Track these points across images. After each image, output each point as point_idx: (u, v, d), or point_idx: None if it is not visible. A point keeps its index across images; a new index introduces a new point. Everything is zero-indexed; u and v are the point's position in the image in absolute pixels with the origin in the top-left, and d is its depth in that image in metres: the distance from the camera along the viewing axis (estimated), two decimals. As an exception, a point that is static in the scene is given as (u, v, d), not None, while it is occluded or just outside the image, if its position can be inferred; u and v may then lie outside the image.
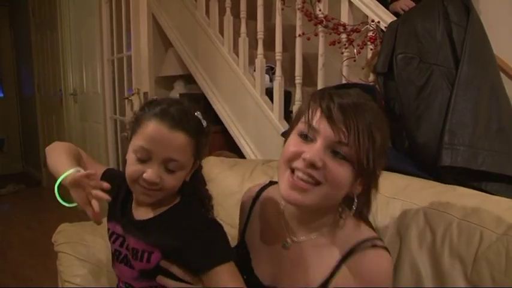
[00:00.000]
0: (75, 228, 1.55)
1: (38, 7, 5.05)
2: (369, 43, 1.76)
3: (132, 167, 0.96)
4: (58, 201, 1.00)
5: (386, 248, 0.90)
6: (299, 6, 2.07)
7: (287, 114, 2.28)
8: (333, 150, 0.84)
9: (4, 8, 6.02)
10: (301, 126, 0.88)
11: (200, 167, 1.07)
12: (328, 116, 0.84)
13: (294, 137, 0.90)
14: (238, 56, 2.46)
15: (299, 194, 0.86)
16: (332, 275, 0.89)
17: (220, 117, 2.59)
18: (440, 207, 1.06)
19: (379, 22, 1.74)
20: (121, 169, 3.67)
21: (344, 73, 1.88)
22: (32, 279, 2.92)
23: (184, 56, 2.90)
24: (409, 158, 1.37)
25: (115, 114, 3.68)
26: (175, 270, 0.97)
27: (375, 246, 0.88)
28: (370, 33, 1.76)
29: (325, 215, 0.94)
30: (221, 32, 2.58)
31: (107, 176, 1.12)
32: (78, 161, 1.08)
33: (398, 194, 1.16)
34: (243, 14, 2.41)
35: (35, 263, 3.14)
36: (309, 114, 0.87)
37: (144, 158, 0.94)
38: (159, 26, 3.10)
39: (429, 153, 1.30)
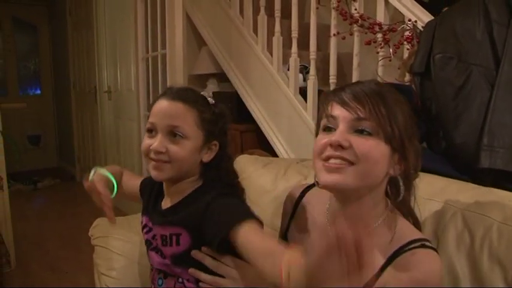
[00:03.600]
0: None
1: (75, 6, 5.17)
2: (405, 43, 1.73)
3: (143, 143, 1.07)
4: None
5: (435, 250, 0.88)
6: (334, 5, 2.05)
7: (321, 114, 2.26)
8: (356, 129, 0.86)
9: (43, 8, 6.20)
10: (322, 122, 0.92)
11: (224, 153, 1.11)
12: (341, 101, 0.88)
13: (320, 135, 0.93)
14: (272, 55, 2.46)
15: (336, 175, 0.86)
16: (381, 271, 0.85)
17: (253, 115, 2.59)
18: (479, 209, 1.04)
19: (416, 21, 1.71)
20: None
21: (379, 73, 1.86)
22: (68, 272, 3.00)
23: (217, 55, 2.92)
24: (446, 159, 1.35)
25: (148, 111, 3.70)
26: (208, 262, 1.00)
27: (424, 246, 0.85)
28: (407, 33, 1.74)
29: (368, 207, 0.92)
30: (255, 31, 2.59)
31: (143, 184, 1.27)
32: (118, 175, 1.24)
33: (435, 195, 1.14)
34: (277, 12, 2.42)
35: (69, 256, 3.23)
36: (326, 109, 0.91)
37: (152, 131, 1.05)
38: (193, 25, 3.13)
39: (467, 155, 1.27)
